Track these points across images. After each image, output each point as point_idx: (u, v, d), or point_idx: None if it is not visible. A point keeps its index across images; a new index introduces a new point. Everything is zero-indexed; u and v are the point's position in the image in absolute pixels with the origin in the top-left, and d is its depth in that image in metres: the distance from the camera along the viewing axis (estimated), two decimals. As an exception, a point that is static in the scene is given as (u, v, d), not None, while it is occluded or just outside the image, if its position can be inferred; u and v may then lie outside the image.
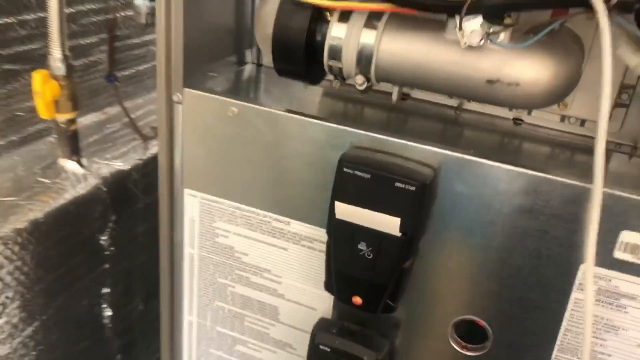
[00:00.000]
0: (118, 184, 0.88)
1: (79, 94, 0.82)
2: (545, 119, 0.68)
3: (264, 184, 0.64)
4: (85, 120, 0.98)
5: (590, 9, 0.48)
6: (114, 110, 1.03)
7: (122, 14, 1.00)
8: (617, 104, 0.65)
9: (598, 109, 0.47)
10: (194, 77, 0.67)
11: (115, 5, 0.99)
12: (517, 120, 0.70)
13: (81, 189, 0.82)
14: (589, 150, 0.67)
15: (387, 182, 0.54)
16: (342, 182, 0.56)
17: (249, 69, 0.80)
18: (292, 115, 0.60)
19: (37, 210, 0.76)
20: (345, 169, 0.56)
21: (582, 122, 0.67)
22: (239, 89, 0.75)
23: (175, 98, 0.64)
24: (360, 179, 0.55)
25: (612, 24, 0.49)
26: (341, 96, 0.72)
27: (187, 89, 0.64)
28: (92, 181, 0.84)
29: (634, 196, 0.51)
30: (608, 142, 0.65)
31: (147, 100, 1.10)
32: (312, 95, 0.74)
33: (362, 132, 0.58)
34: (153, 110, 1.05)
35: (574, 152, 0.68)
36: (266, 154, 0.63)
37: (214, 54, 0.76)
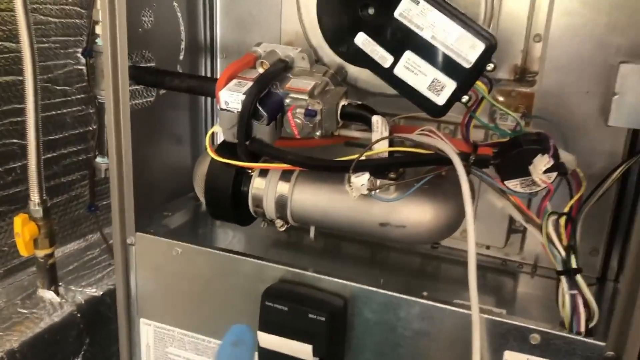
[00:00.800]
0: (92, 309, 0.96)
1: (62, 225, 0.92)
2: (458, 243, 0.77)
3: (207, 313, 0.73)
4: (67, 249, 1.08)
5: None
6: (94, 237, 1.13)
7: (102, 151, 1.12)
8: (513, 230, 0.74)
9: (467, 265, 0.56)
10: (149, 217, 0.78)
11: (95, 144, 1.11)
12: (434, 245, 0.79)
13: (56, 317, 0.91)
14: (497, 270, 0.76)
15: (301, 313, 0.63)
16: (264, 314, 0.65)
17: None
18: (226, 254, 0.70)
19: (14, 341, 0.84)
20: (266, 303, 0.65)
21: (487, 246, 0.76)
22: (193, 226, 0.85)
23: (129, 241, 0.75)
24: (279, 311, 0.64)
25: (475, 176, 0.59)
26: (270, 224, 0.81)
27: (139, 233, 0.74)
28: (67, 308, 0.93)
29: (506, 320, 0.59)
30: (512, 263, 0.75)
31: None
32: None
33: (285, 267, 0.67)
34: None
35: (484, 272, 0.76)
36: (207, 286, 0.72)
37: (172, 193, 0.87)
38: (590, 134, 0.69)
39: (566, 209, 0.60)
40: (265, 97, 0.63)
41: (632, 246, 0.53)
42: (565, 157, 0.59)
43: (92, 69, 0.93)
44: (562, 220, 0.59)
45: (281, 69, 0.65)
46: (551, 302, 0.71)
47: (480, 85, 0.55)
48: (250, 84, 0.63)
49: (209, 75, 0.86)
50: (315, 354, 0.63)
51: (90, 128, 1.07)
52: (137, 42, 0.71)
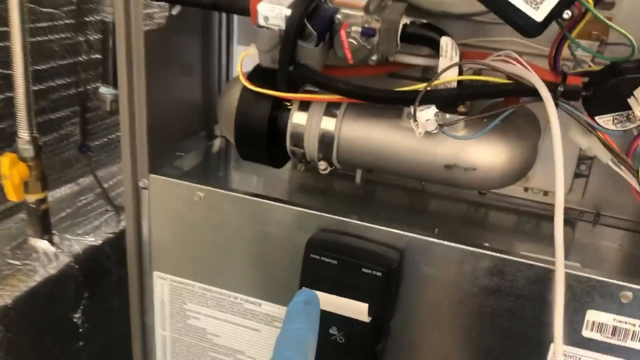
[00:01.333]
0: (90, 260, 0.87)
1: (51, 167, 0.82)
2: (509, 189, 0.69)
3: (233, 266, 0.64)
4: (58, 193, 0.98)
5: (540, 98, 0.49)
6: (87, 180, 1.03)
7: (93, 85, 1.01)
8: (576, 175, 0.66)
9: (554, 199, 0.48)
10: (161, 159, 0.68)
11: (86, 77, 0.99)
12: (482, 191, 0.71)
13: (52, 269, 0.81)
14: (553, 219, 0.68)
15: (354, 268, 0.55)
16: (309, 268, 0.57)
17: (218, 144, 0.81)
18: (257, 199, 0.61)
19: (6, 296, 0.74)
20: (312, 255, 0.56)
21: (545, 192, 0.68)
22: (208, 168, 0.75)
23: (141, 184, 0.65)
24: (327, 264, 0.56)
25: (562, 110, 0.51)
26: (309, 168, 0.72)
27: (153, 175, 0.64)
28: (64, 259, 0.83)
29: (595, 277, 0.52)
30: (572, 211, 0.67)
31: (120, 168, 1.09)
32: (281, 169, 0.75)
33: (328, 215, 0.59)
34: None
35: (538, 221, 0.69)
36: (234, 237, 0.63)
37: (182, 132, 0.77)
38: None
39: (664, 150, 0.52)
40: (313, 12, 0.52)
41: None
42: (666, 89, 0.50)
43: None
44: (661, 163, 0.51)
45: (330, -20, 0.54)
46: (620, 253, 0.65)
47: (587, -3, 0.45)
48: (293, -4, 0.53)
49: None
50: (370, 313, 0.55)
51: (81, 58, 0.95)
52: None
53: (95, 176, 0.99)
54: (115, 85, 0.64)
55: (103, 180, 1.00)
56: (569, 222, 0.69)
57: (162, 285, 0.69)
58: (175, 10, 0.66)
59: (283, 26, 0.52)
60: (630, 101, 0.49)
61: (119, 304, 0.95)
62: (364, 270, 0.54)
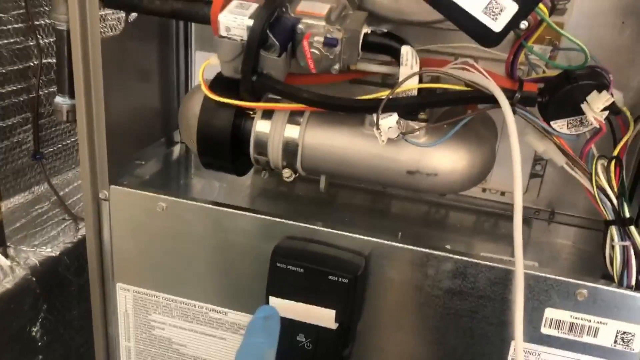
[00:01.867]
0: (48, 272, 0.85)
1: (4, 176, 0.80)
2: (468, 190, 0.70)
3: (198, 275, 0.64)
4: (11, 203, 0.95)
5: (498, 104, 0.51)
6: (41, 188, 1.00)
7: (46, 91, 0.98)
8: (532, 175, 0.69)
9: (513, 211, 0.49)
10: (120, 167, 0.67)
11: (38, 82, 0.96)
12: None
13: (8, 283, 0.79)
14: (511, 218, 0.70)
15: (321, 275, 0.55)
16: (275, 277, 0.57)
17: (177, 150, 0.80)
18: (221, 208, 0.60)
19: (-39, 313, 0.72)
20: (278, 264, 0.56)
21: (502, 193, 0.70)
22: (169, 176, 0.74)
23: (101, 195, 0.63)
24: (294, 273, 0.56)
25: (519, 116, 0.52)
26: (271, 173, 0.72)
27: (113, 187, 0.63)
28: (20, 272, 0.81)
29: (552, 276, 0.54)
30: (528, 210, 0.70)
31: (76, 175, 1.07)
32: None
33: (293, 223, 0.59)
34: (83, 186, 1.02)
35: (497, 220, 0.71)
36: (198, 246, 0.63)
37: (141, 139, 0.76)
38: (623, 69, 0.63)
39: (615, 152, 0.54)
40: (275, 22, 0.52)
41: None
42: (615, 94, 0.53)
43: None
44: (612, 165, 0.53)
45: (290, -11, 0.55)
46: (574, 249, 0.68)
47: (541, 7, 0.47)
48: (254, 5, 0.53)
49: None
50: (337, 319, 0.55)
51: (32, 64, 0.92)
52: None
53: (51, 184, 0.97)
54: (71, 94, 0.63)
55: (58, 187, 0.98)
56: (525, 220, 0.70)
57: (125, 296, 0.68)
58: (132, 17, 0.65)
59: (245, 37, 0.52)
60: (584, 107, 0.51)
61: (79, 314, 0.93)
62: (330, 277, 0.55)
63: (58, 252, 0.87)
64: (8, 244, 0.84)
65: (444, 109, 0.59)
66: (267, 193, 0.76)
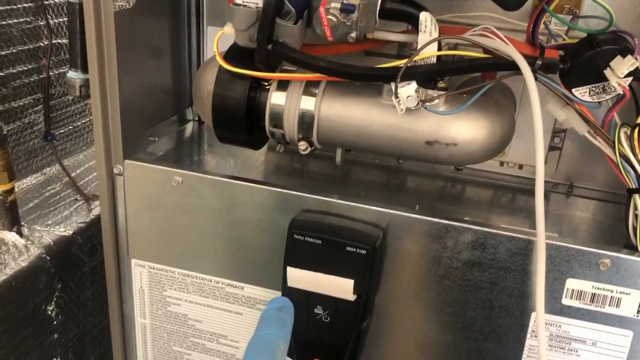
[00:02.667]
0: (62, 251, 0.85)
1: (16, 157, 0.79)
2: (485, 164, 0.69)
3: (214, 250, 0.63)
4: (24, 184, 0.95)
5: (519, 71, 0.50)
6: (53, 170, 1.00)
7: (56, 71, 0.98)
8: (550, 148, 0.68)
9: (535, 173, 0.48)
10: (134, 144, 0.66)
11: (48, 63, 0.96)
12: (458, 167, 0.71)
13: (23, 262, 0.79)
14: (529, 192, 0.70)
15: (338, 247, 0.55)
16: (293, 249, 0.56)
17: (190, 128, 0.80)
18: (237, 182, 0.60)
19: (-24, 291, 0.72)
20: (295, 236, 0.56)
21: (520, 166, 0.69)
22: (182, 153, 0.74)
23: (116, 170, 0.63)
24: (311, 244, 0.55)
25: (540, 83, 0.51)
26: (285, 150, 0.72)
27: (127, 161, 0.62)
28: (35, 251, 0.81)
29: (574, 246, 0.53)
30: (546, 183, 0.68)
31: (87, 156, 1.07)
32: (257, 152, 0.74)
33: (310, 195, 0.58)
34: (94, 167, 1.02)
35: (514, 195, 0.70)
36: (214, 221, 0.62)
37: (154, 116, 0.75)
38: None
39: (639, 120, 0.53)
40: (291, -11, 0.51)
41: None
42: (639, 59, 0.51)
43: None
44: (636, 133, 0.52)
45: (305, -43, 0.53)
46: (594, 222, 0.67)
47: (565, -30, 0.46)
48: (270, -27, 0.52)
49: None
50: (355, 290, 0.55)
51: (42, 44, 0.92)
52: None
53: (62, 165, 0.97)
54: (84, 69, 0.62)
55: (70, 169, 0.98)
56: (544, 194, 0.70)
57: (140, 273, 0.67)
58: (144, -10, 0.64)
59: (261, 4, 0.51)
60: (607, 72, 0.50)
61: (93, 294, 0.93)
62: (348, 249, 0.54)
63: (71, 232, 0.87)
64: (22, 223, 0.84)
65: (462, 79, 0.58)
66: (281, 169, 0.75)
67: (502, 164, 0.69)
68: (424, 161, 0.57)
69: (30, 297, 0.81)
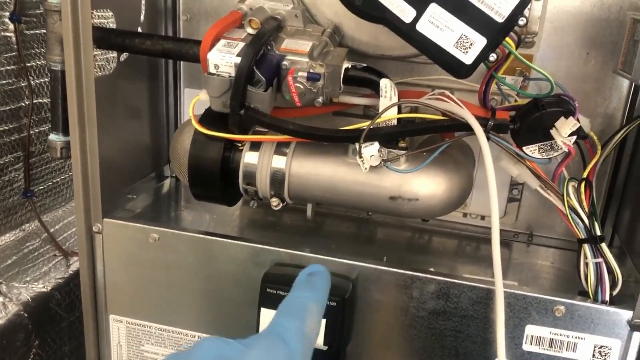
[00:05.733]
0: (40, 307, 0.86)
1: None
2: (450, 215, 0.73)
3: (190, 304, 0.65)
4: (2, 241, 0.96)
5: (473, 132, 0.54)
6: (32, 226, 1.01)
7: (37, 129, 1.00)
8: (510, 199, 0.72)
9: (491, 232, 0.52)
10: (113, 201, 0.69)
11: (29, 122, 0.99)
12: (424, 218, 0.75)
13: (0, 320, 0.80)
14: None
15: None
16: (266, 302, 0.59)
17: (167, 184, 0.82)
18: (212, 238, 0.63)
19: (-47, 350, 0.73)
20: (267, 290, 0.58)
21: (482, 217, 0.73)
22: (159, 209, 0.76)
23: (95, 228, 0.65)
24: (284, 297, 0.58)
25: (493, 142, 0.55)
26: (259, 203, 0.75)
27: (106, 219, 0.65)
28: (12, 308, 0.82)
29: (530, 293, 0.56)
30: (507, 233, 0.72)
31: (66, 212, 1.08)
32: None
33: (282, 250, 0.61)
34: (73, 222, 1.04)
35: (478, 244, 0.74)
36: (190, 275, 0.64)
37: (133, 174, 0.78)
38: (590, 97, 0.67)
39: (584, 174, 0.57)
40: (261, 59, 0.55)
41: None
42: (582, 120, 0.56)
43: (22, 36, 0.82)
44: (582, 187, 0.56)
45: (274, 28, 0.58)
46: (552, 269, 0.70)
47: (508, 41, 0.51)
48: (241, 44, 0.56)
49: (171, 39, 0.77)
50: (326, 341, 0.57)
51: (23, 104, 0.95)
52: (97, 1, 0.61)
53: (41, 221, 0.98)
54: (65, 132, 0.65)
55: (49, 225, 0.99)
56: (505, 243, 0.74)
57: (118, 328, 0.69)
58: (124, 57, 0.68)
59: (233, 73, 0.55)
60: (552, 132, 0.54)
61: (70, 349, 0.94)
62: (319, 300, 0.57)
63: (49, 288, 0.88)
64: (0, 280, 0.85)
65: (423, 137, 0.62)
66: (255, 223, 0.78)
67: (465, 215, 0.73)
68: (389, 215, 0.60)
69: (7, 354, 0.81)
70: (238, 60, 0.54)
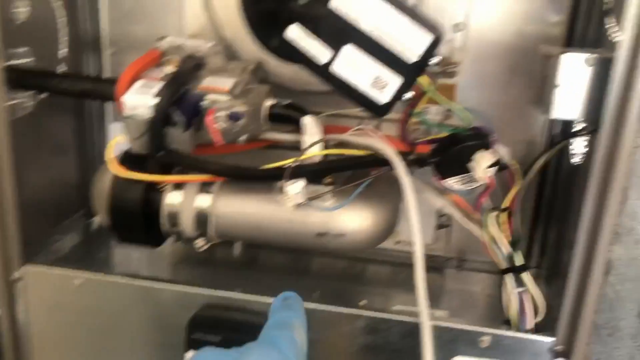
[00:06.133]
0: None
1: None
2: (383, 243, 0.73)
3: (119, 350, 0.63)
4: None
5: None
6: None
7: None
8: (440, 226, 0.73)
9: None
10: (36, 245, 0.66)
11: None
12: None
13: None
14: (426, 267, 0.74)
15: (238, 343, 0.56)
16: (193, 347, 0.57)
17: (97, 221, 0.80)
18: (137, 282, 0.61)
19: None
20: (192, 336, 0.57)
21: (414, 244, 0.74)
22: (88, 249, 0.74)
23: (14, 276, 0.63)
24: (211, 343, 0.56)
25: (415, 174, 0.56)
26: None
27: (25, 267, 0.62)
28: None
29: (456, 326, 0.56)
30: (439, 258, 0.73)
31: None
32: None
33: (211, 291, 0.60)
34: None
35: (410, 271, 0.74)
36: (117, 321, 0.62)
37: (60, 213, 0.75)
38: (511, 124, 0.69)
39: (505, 204, 0.58)
40: (180, 99, 0.55)
41: (578, 238, 0.53)
42: (501, 150, 0.57)
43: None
44: (504, 216, 0.57)
45: (194, 67, 0.57)
46: (482, 295, 0.71)
47: (423, 80, 0.51)
48: (159, 84, 0.55)
49: (94, 75, 0.75)
50: (256, 385, 0.56)
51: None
52: (11, 37, 0.59)
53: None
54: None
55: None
56: (437, 269, 0.74)
57: (44, 377, 0.66)
58: (45, 94, 0.66)
59: (150, 115, 0.54)
60: (471, 165, 0.55)
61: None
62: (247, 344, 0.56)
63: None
64: None
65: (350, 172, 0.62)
66: (188, 259, 0.76)
67: (397, 242, 0.74)
68: (317, 251, 0.60)
69: None
70: (155, 101, 0.53)
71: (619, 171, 0.50)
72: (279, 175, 0.55)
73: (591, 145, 0.55)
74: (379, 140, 0.56)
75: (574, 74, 0.51)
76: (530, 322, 0.56)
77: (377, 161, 0.56)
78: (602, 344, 0.55)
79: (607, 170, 0.50)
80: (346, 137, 0.57)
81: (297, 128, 0.59)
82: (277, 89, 0.62)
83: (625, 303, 0.54)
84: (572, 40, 0.66)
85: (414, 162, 0.55)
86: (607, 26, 0.55)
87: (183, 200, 0.59)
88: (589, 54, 0.50)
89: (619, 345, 0.55)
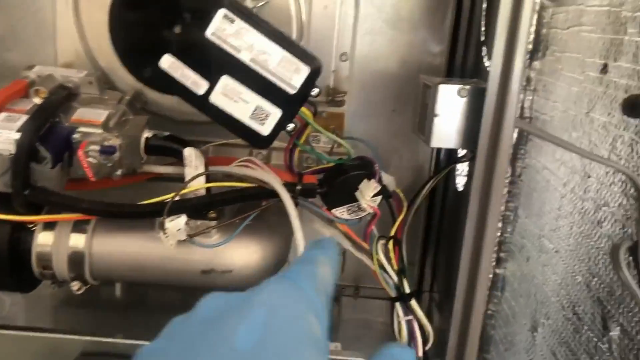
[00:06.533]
0: None
1: None
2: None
3: (-16, 408, 0.57)
4: None
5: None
6: None
7: None
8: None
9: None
10: None
11: None
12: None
13: None
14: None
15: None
16: (68, 400, 0.53)
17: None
18: (5, 331, 0.55)
19: None
20: (69, 387, 0.52)
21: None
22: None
23: None
24: (88, 393, 0.52)
25: (302, 207, 0.55)
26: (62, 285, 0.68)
27: None
28: None
29: (346, 358, 0.56)
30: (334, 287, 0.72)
31: None
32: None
33: (89, 338, 0.56)
34: None
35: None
36: (-18, 376, 0.56)
37: None
38: (399, 151, 0.70)
39: (392, 232, 0.59)
40: (47, 133, 0.51)
41: (460, 266, 0.54)
42: (386, 179, 0.58)
43: None
44: (391, 244, 0.57)
45: (64, 97, 0.54)
46: (376, 322, 0.71)
47: (305, 111, 0.51)
48: (24, 117, 0.51)
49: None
50: None
51: None
52: None
53: None
54: None
55: None
56: (335, 298, 0.73)
57: None
58: None
59: (13, 151, 0.49)
60: (357, 194, 0.55)
61: None
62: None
63: None
64: None
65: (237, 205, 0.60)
66: (71, 299, 0.71)
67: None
68: (204, 288, 0.57)
69: None
70: (18, 136, 0.49)
71: (495, 195, 0.51)
72: (159, 211, 0.52)
73: (471, 170, 0.57)
74: (265, 172, 0.54)
75: (450, 104, 0.52)
76: (419, 349, 0.56)
77: (263, 193, 0.54)
78: (499, 358, 0.56)
79: (485, 194, 0.51)
80: (231, 169, 0.55)
81: (179, 160, 0.56)
82: (158, 119, 0.60)
83: (519, 318, 0.55)
84: (452, 69, 0.68)
85: (301, 193, 0.54)
86: (482, 55, 0.57)
87: (55, 240, 0.54)
88: (461, 85, 0.52)
89: (515, 359, 0.56)
